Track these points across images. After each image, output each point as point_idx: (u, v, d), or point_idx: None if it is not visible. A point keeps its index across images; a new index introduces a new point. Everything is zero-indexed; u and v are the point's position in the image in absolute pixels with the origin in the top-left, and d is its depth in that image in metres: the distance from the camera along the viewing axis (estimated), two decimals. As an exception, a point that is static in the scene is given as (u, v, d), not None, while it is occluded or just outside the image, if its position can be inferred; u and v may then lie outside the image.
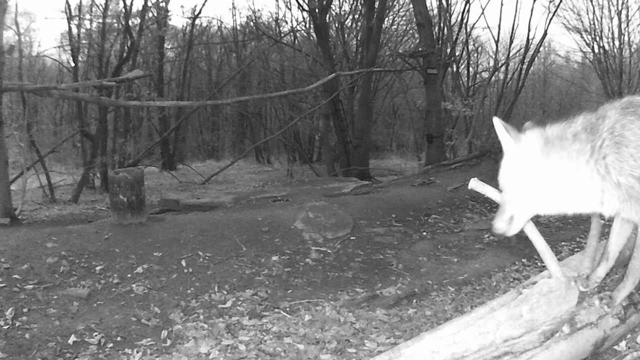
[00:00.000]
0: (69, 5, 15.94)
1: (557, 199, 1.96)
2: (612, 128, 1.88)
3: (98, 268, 4.92)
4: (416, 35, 15.91)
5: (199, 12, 20.42)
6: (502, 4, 15.82)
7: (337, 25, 17.71)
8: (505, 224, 2.00)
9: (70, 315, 4.23)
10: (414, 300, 4.70)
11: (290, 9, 27.63)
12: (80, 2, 18.06)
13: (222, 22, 30.86)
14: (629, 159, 1.82)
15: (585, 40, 17.67)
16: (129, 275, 4.90)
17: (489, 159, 10.41)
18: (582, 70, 23.49)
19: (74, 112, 17.62)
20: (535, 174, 1.94)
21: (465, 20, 17.00)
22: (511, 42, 17.20)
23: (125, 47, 16.05)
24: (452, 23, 16.78)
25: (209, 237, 5.74)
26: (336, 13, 17.78)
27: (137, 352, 3.79)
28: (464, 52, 18.81)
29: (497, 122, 2.05)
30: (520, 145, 1.97)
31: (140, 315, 4.33)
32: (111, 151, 14.98)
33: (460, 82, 18.78)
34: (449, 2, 16.72)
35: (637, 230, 2.03)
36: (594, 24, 17.04)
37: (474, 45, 19.85)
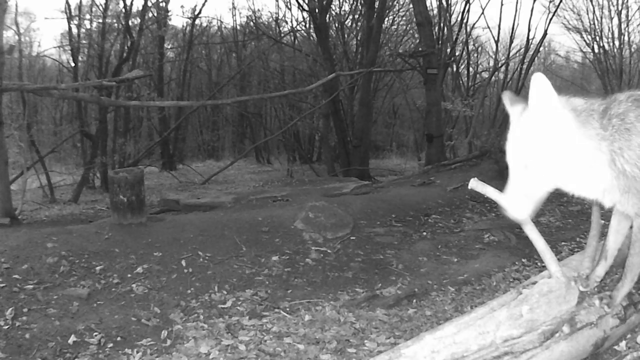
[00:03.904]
0: (69, 5, 15.98)
1: (572, 174, 1.86)
2: (624, 115, 1.83)
3: (98, 268, 4.92)
4: (416, 35, 15.91)
5: (199, 12, 20.43)
6: (502, 4, 15.84)
7: (337, 25, 17.71)
8: (522, 201, 1.85)
9: (70, 315, 4.23)
10: (414, 300, 4.70)
11: (290, 9, 27.61)
12: (80, 2, 18.07)
13: (222, 22, 30.80)
14: (636, 149, 1.79)
15: (585, 40, 17.68)
16: (129, 275, 4.90)
17: (489, 159, 10.41)
18: (582, 70, 23.51)
19: (74, 112, 17.63)
20: (562, 142, 1.81)
21: (465, 20, 17.03)
22: (511, 42, 17.24)
23: (125, 47, 16.06)
24: (452, 23, 16.79)
25: (209, 237, 5.74)
26: (336, 13, 17.78)
27: (137, 352, 3.79)
28: (464, 52, 18.82)
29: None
30: (550, 110, 1.79)
31: (140, 315, 4.33)
32: (111, 151, 14.98)
33: (460, 82, 18.79)
34: (449, 2, 16.75)
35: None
36: (594, 24, 17.05)
37: (474, 45, 19.87)
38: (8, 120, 10.33)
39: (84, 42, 16.93)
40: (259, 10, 34.66)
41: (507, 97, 1.97)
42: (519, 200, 1.85)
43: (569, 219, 7.21)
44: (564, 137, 1.81)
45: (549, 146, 1.81)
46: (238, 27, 21.89)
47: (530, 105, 1.80)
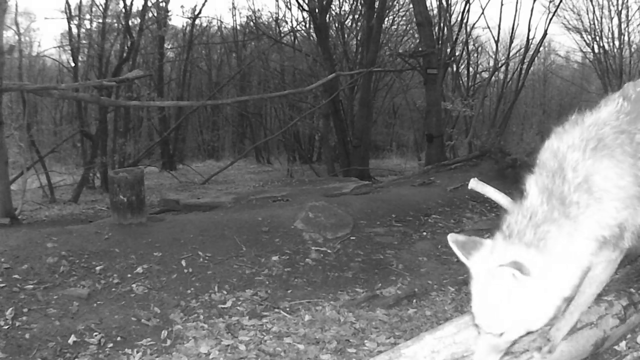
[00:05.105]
0: (69, 5, 15.94)
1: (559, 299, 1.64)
2: (589, 180, 1.60)
3: (98, 268, 4.92)
4: (416, 35, 15.92)
5: (199, 12, 20.39)
6: (502, 4, 15.83)
7: (337, 25, 17.70)
8: (495, 357, 1.67)
9: (70, 315, 4.23)
10: (414, 300, 4.71)
11: (290, 9, 27.55)
12: (80, 2, 18.05)
13: (222, 22, 30.75)
14: (612, 212, 1.62)
15: (585, 40, 17.71)
16: (129, 275, 4.90)
17: (489, 159, 10.42)
18: (582, 70, 23.49)
19: (74, 112, 17.62)
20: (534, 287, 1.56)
21: (465, 20, 17.04)
22: (511, 42, 17.24)
23: (125, 47, 16.05)
24: (452, 23, 16.80)
25: (209, 237, 5.74)
26: (336, 13, 17.77)
27: (137, 352, 3.79)
28: (464, 52, 18.83)
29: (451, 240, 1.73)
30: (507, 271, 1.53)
31: (140, 315, 4.33)
32: (111, 151, 14.97)
33: (460, 82, 18.80)
34: (449, 2, 16.76)
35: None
36: (594, 24, 17.08)
37: (474, 45, 19.89)
38: (8, 120, 10.33)
39: (84, 42, 16.93)
40: (259, 10, 34.61)
41: (455, 243, 1.72)
42: (491, 358, 1.67)
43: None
44: (538, 283, 1.55)
45: (530, 303, 1.57)
46: (238, 27, 21.88)
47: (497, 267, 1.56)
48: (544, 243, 1.58)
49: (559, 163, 1.66)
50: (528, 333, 1.69)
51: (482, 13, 23.35)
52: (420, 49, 12.42)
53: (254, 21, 19.80)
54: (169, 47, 22.02)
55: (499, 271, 1.55)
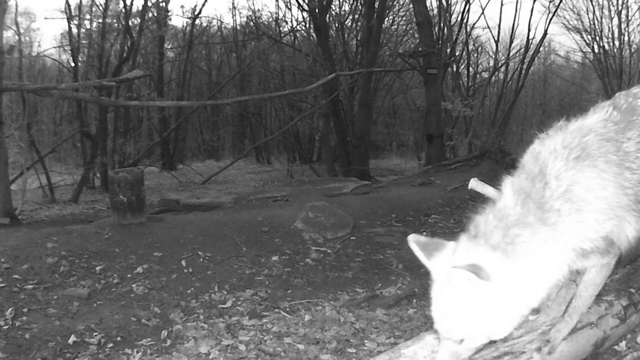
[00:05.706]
0: (69, 5, 15.96)
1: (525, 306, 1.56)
2: (570, 191, 1.55)
3: (98, 268, 4.92)
4: (416, 35, 15.93)
5: (199, 12, 20.38)
6: (502, 4, 15.88)
7: (337, 25, 17.71)
8: None
9: (70, 315, 4.23)
10: (414, 300, 4.71)
11: (290, 9, 27.50)
12: (80, 2, 18.02)
13: (222, 22, 30.68)
14: (593, 225, 1.57)
15: (585, 40, 17.73)
16: (129, 275, 4.90)
17: (489, 159, 10.43)
18: (582, 70, 23.50)
19: (74, 112, 17.63)
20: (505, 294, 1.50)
21: (465, 20, 17.07)
22: (511, 42, 17.28)
23: (125, 47, 16.05)
24: (452, 23, 16.81)
25: (209, 237, 5.74)
26: (336, 13, 17.78)
27: (137, 352, 3.79)
28: (464, 52, 18.84)
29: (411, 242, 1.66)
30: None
31: (140, 315, 4.33)
32: (111, 151, 14.98)
33: (460, 82, 18.81)
34: (449, 2, 16.77)
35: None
36: (594, 24, 17.10)
37: (474, 45, 19.90)
38: (8, 120, 10.32)
39: (84, 42, 16.94)
40: (259, 10, 34.52)
41: (415, 243, 1.66)
42: None
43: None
44: (504, 289, 1.48)
45: (491, 310, 1.50)
46: (238, 27, 21.88)
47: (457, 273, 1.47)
48: (512, 247, 1.51)
49: (539, 168, 1.60)
50: (491, 342, 1.64)
51: (482, 13, 23.32)
52: (420, 49, 12.43)
53: (254, 21, 19.83)
54: (169, 47, 22.03)
55: (453, 274, 1.47)
